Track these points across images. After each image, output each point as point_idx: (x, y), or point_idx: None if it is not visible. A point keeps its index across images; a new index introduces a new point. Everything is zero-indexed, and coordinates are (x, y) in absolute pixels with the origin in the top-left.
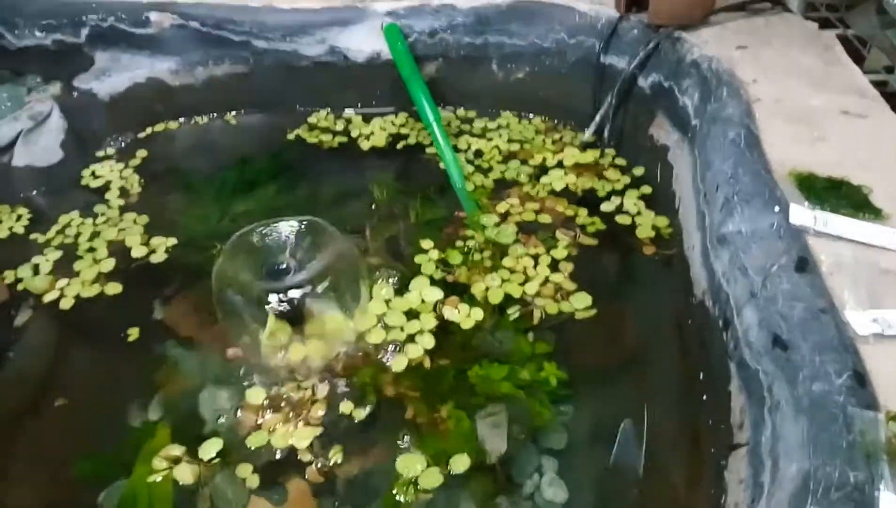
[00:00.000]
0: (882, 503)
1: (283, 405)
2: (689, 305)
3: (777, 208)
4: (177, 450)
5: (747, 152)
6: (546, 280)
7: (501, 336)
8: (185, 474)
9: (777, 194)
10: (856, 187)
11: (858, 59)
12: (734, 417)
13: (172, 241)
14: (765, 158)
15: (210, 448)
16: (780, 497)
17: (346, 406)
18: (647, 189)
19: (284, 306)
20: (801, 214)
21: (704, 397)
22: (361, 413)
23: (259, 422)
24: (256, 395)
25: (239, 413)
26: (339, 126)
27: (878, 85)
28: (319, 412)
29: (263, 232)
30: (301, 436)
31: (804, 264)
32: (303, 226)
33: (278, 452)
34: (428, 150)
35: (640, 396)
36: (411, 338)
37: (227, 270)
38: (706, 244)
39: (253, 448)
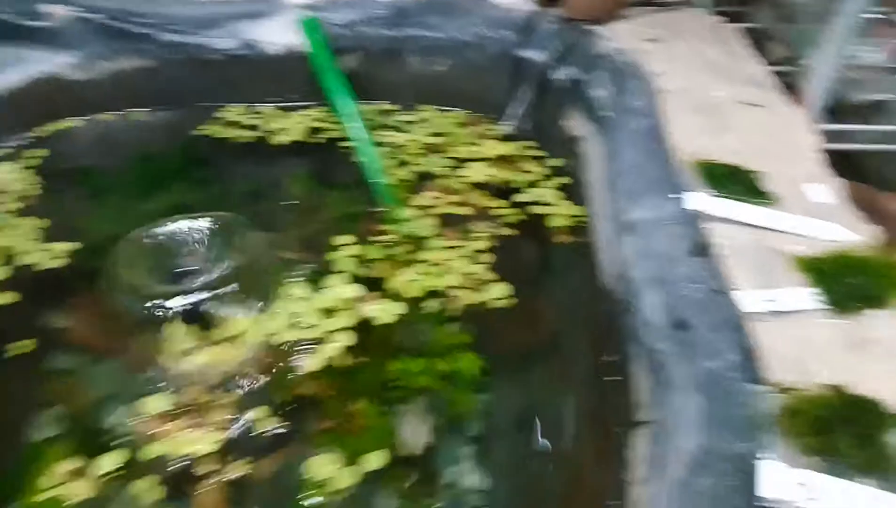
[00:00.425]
0: (766, 471)
1: (187, 411)
2: (599, 290)
3: (679, 195)
4: (73, 465)
5: (652, 142)
6: (465, 272)
7: (421, 330)
8: (83, 489)
9: (679, 182)
10: (752, 173)
11: (761, 50)
12: (638, 396)
13: (76, 245)
14: (670, 148)
15: (109, 461)
16: (676, 470)
17: (257, 409)
18: (563, 180)
19: (186, 310)
20: (701, 200)
21: (612, 378)
22: (273, 416)
23: (163, 430)
24: (159, 402)
25: (141, 423)
26: (254, 121)
27: (779, 75)
28: (226, 416)
29: (167, 231)
30: (207, 442)
31: (702, 247)
32: (212, 223)
33: (183, 460)
34: (346, 144)
35: (555, 380)
36: (328, 336)
37: (124, 274)
38: (612, 231)
39: (156, 458)
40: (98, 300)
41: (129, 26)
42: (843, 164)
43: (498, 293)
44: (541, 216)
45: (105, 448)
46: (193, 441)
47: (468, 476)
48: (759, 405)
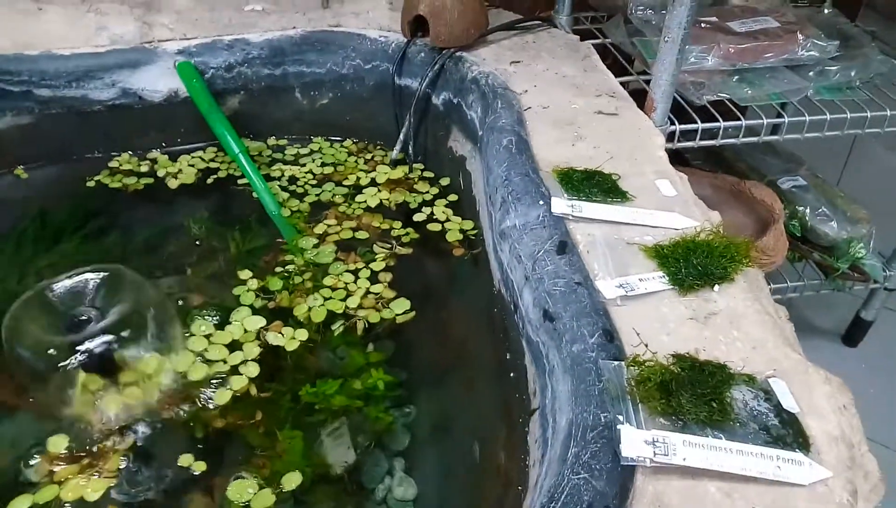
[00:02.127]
0: (623, 434)
1: (91, 455)
2: (492, 295)
3: (542, 202)
4: None
5: (518, 156)
6: (367, 292)
7: (333, 352)
8: None
9: (542, 190)
10: (606, 176)
11: (615, 64)
12: (530, 386)
13: None
14: (533, 160)
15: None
16: (555, 447)
17: (165, 447)
18: (453, 197)
19: (89, 358)
20: (561, 204)
21: (511, 374)
22: (189, 452)
23: (65, 475)
24: (62, 448)
25: (44, 469)
26: (144, 168)
27: (634, 85)
28: (129, 457)
29: (58, 286)
30: (102, 487)
31: (564, 246)
32: (100, 274)
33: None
34: (240, 181)
35: (466, 383)
36: (235, 369)
37: (19, 329)
38: (494, 240)
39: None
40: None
41: (2, 85)
42: (715, 158)
43: (399, 309)
44: (434, 233)
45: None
46: (94, 486)
47: (396, 488)
48: (617, 379)
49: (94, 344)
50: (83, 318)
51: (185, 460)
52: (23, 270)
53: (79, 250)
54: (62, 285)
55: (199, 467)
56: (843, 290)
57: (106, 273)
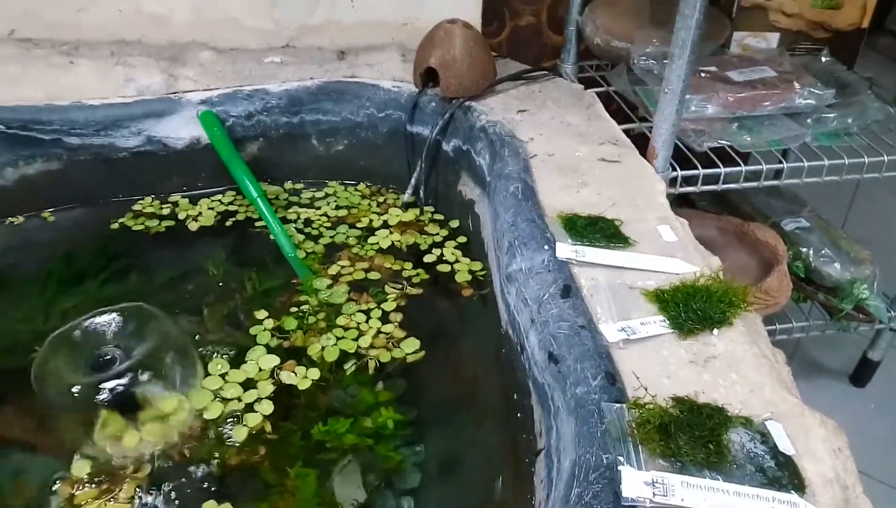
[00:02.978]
0: (624, 475)
1: (111, 490)
2: (500, 335)
3: (547, 247)
4: None
5: (524, 203)
6: (378, 332)
7: (344, 391)
8: None
9: (547, 235)
10: (609, 221)
11: (619, 111)
12: (536, 427)
13: None
14: (539, 206)
15: None
16: (559, 487)
17: (181, 482)
18: (462, 239)
19: (112, 396)
20: (566, 249)
21: (518, 414)
22: (206, 489)
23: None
24: (80, 470)
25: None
26: (166, 210)
27: (636, 133)
28: (150, 492)
29: (83, 326)
30: None
31: (568, 290)
32: (124, 314)
33: None
34: (258, 223)
35: (474, 422)
36: (250, 407)
37: (47, 369)
38: (501, 282)
39: None
40: (23, 398)
41: (33, 133)
42: (720, 200)
43: (409, 348)
44: (444, 273)
45: None
46: None
47: None
48: (618, 421)
49: (118, 383)
50: (108, 357)
51: (202, 494)
52: (48, 310)
53: (102, 290)
54: (88, 324)
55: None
56: (848, 330)
57: (130, 313)
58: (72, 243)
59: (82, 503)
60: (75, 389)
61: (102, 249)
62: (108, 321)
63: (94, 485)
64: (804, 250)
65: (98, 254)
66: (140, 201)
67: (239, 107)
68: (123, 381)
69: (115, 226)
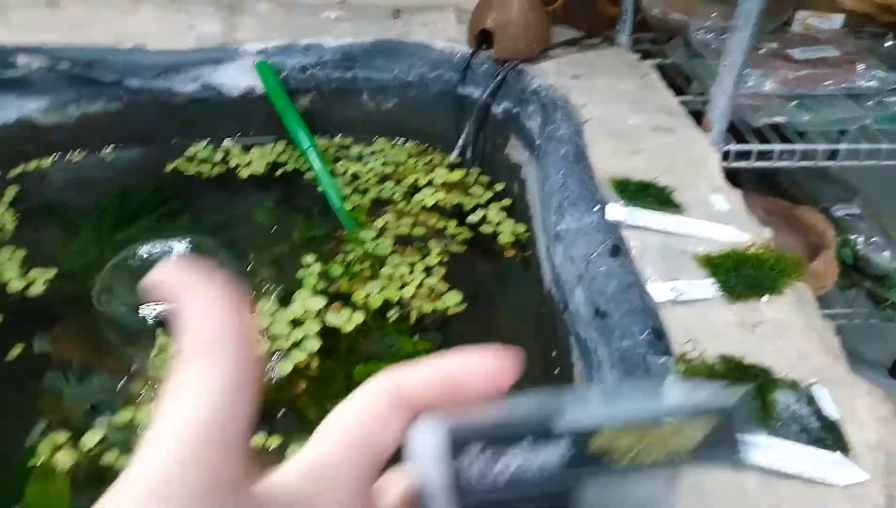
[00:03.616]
0: None
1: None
2: (541, 295)
3: (597, 208)
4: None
5: (575, 164)
6: (421, 284)
7: (384, 338)
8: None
9: (598, 197)
10: (661, 188)
11: (673, 84)
12: (575, 381)
13: (52, 273)
14: (590, 169)
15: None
16: None
17: None
18: (506, 201)
19: (166, 321)
20: (616, 211)
21: (558, 369)
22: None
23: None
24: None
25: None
26: (218, 157)
27: (691, 105)
28: None
29: (145, 252)
30: None
31: (617, 250)
32: (185, 244)
33: None
34: (306, 175)
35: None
36: (296, 344)
37: (110, 288)
38: (547, 242)
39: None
40: (80, 321)
41: (96, 75)
42: (768, 183)
43: (451, 301)
44: (487, 234)
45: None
46: None
47: None
48: (663, 374)
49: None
50: None
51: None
52: (102, 244)
53: (154, 229)
54: (149, 250)
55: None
56: (893, 321)
57: (191, 244)
58: (127, 182)
59: (138, 423)
60: (134, 312)
61: (156, 189)
62: (168, 247)
63: (148, 405)
64: (853, 236)
65: (152, 194)
66: (194, 146)
67: (294, 59)
68: None
69: (168, 169)
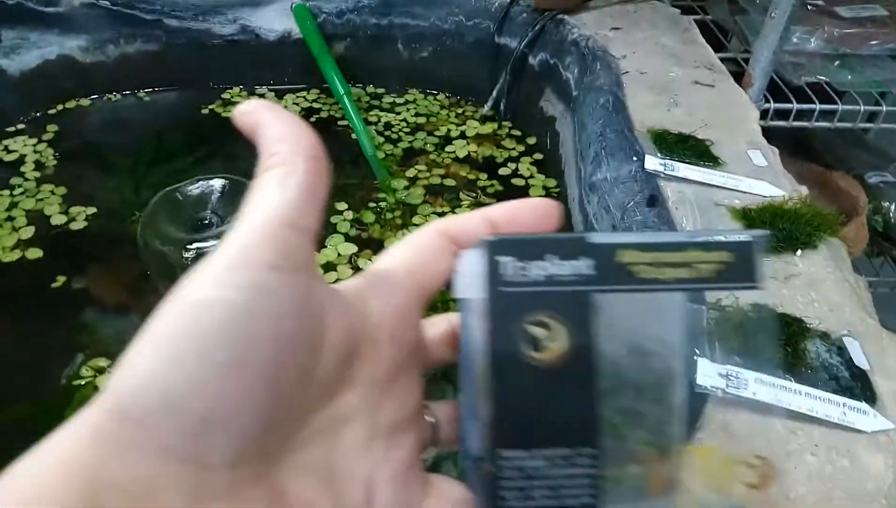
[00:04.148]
0: (699, 365)
1: None
2: None
3: (635, 158)
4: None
5: (614, 115)
6: None
7: None
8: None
9: (636, 148)
10: (700, 141)
11: (714, 40)
12: None
13: (92, 210)
14: (628, 119)
15: None
16: None
17: None
18: (538, 155)
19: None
20: (654, 162)
21: None
22: None
23: None
24: None
25: None
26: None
27: (732, 61)
28: None
29: (188, 189)
30: None
31: (654, 200)
32: (224, 184)
33: None
34: (340, 123)
35: None
36: None
37: (154, 222)
38: (581, 193)
39: None
40: (117, 260)
41: (136, 13)
42: (802, 149)
43: None
44: (518, 187)
45: None
46: None
47: None
48: (697, 319)
49: (213, 244)
50: (206, 221)
51: None
52: (139, 184)
53: (190, 171)
54: (190, 189)
55: None
56: None
57: (230, 184)
58: (164, 123)
59: None
60: (177, 249)
61: (192, 132)
62: (209, 187)
63: None
64: (886, 204)
65: (188, 136)
66: (229, 90)
67: (331, 3)
68: (216, 244)
69: (204, 111)
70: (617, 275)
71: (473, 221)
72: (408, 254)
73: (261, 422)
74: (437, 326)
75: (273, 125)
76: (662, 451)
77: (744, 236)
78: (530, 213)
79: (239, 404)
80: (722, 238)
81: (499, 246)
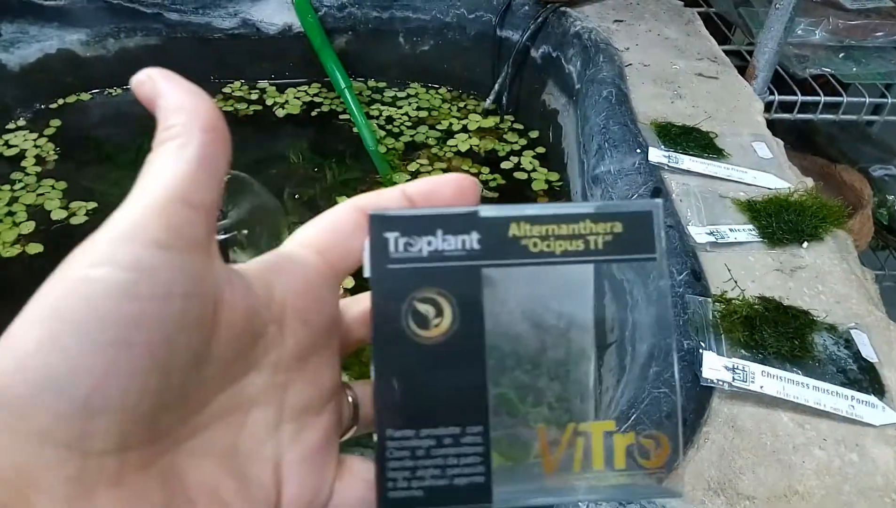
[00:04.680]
0: (705, 358)
1: None
2: None
3: (639, 151)
4: None
5: (617, 107)
6: None
7: None
8: None
9: (640, 140)
10: (704, 133)
11: (717, 32)
12: (607, 324)
13: (92, 205)
14: (631, 112)
15: None
16: (634, 370)
17: None
18: (540, 149)
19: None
20: (658, 154)
21: None
22: None
23: None
24: None
25: None
26: (254, 96)
27: (736, 54)
28: None
29: None
30: None
31: (658, 192)
32: (225, 177)
33: None
34: (341, 117)
35: None
36: None
37: None
38: (584, 185)
39: None
40: None
41: (137, 6)
42: (806, 141)
43: None
44: (520, 181)
45: None
46: None
47: None
48: (702, 312)
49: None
50: None
51: None
52: (137, 176)
53: None
54: None
55: None
56: None
57: (228, 176)
58: None
59: None
60: None
61: None
62: None
63: None
64: (890, 197)
65: None
66: (230, 84)
67: None
68: (219, 238)
69: None
70: (506, 249)
71: (391, 196)
72: (319, 232)
73: (149, 405)
74: (362, 303)
75: (170, 95)
76: (560, 428)
77: (639, 205)
78: (449, 188)
79: (123, 386)
80: (616, 209)
81: (385, 222)
